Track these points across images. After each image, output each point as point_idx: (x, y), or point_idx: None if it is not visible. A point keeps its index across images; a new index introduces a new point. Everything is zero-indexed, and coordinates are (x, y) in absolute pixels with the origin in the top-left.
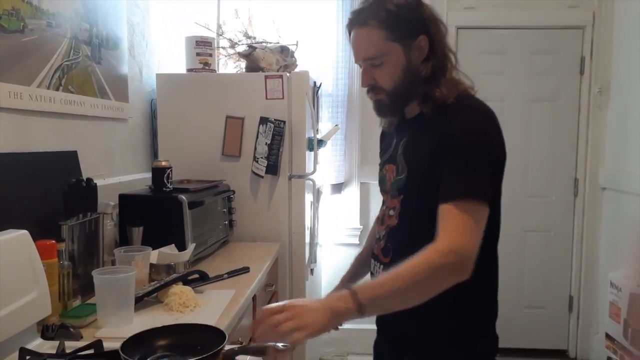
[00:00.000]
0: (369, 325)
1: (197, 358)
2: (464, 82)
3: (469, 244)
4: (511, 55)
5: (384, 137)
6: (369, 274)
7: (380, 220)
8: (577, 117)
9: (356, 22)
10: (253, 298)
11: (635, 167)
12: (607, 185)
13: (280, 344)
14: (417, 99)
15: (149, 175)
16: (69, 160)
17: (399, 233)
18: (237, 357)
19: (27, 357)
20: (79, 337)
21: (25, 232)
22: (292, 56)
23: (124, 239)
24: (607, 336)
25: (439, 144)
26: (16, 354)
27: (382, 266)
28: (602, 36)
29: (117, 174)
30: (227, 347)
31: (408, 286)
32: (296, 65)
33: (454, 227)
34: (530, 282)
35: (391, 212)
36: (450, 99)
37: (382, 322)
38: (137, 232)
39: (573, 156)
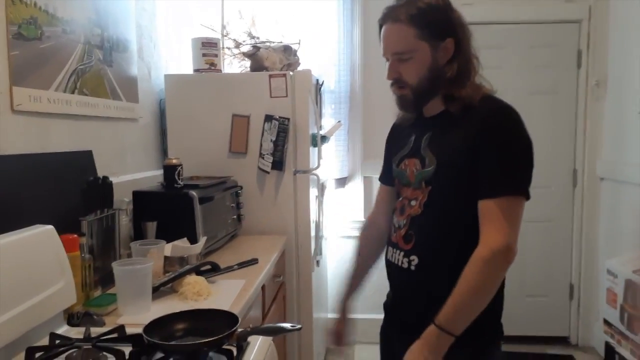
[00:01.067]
0: (375, 315)
1: (214, 338)
2: (485, 86)
3: (508, 237)
4: (510, 50)
5: (395, 132)
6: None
7: (400, 210)
8: (575, 109)
9: (389, 17)
10: (262, 288)
11: (632, 157)
12: (605, 175)
13: (289, 325)
14: (439, 97)
15: (159, 172)
16: (84, 159)
17: (423, 222)
18: (249, 338)
19: (57, 341)
20: (102, 324)
21: (51, 227)
22: (295, 55)
23: (138, 234)
24: (605, 321)
25: (478, 141)
26: (46, 339)
27: (402, 252)
28: (598, 30)
29: (129, 171)
30: (240, 329)
31: (473, 299)
32: (299, 64)
33: (495, 225)
34: (532, 271)
35: (413, 203)
36: (476, 100)
37: (389, 308)
38: (152, 227)
39: (572, 147)
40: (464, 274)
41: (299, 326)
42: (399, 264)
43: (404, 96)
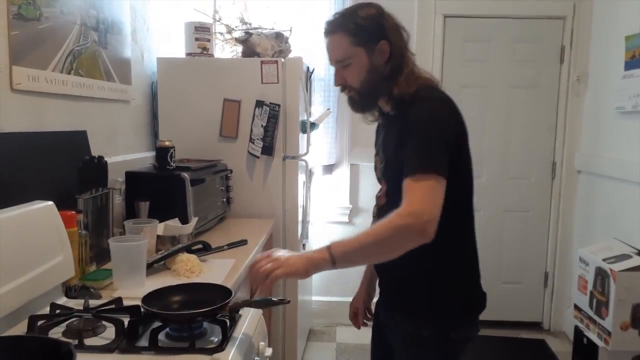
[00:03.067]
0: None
1: (208, 308)
2: (423, 76)
3: (427, 209)
4: (495, 44)
5: (378, 130)
6: None
7: (376, 200)
8: (555, 103)
9: (328, 30)
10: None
11: (608, 151)
12: (582, 168)
13: (277, 299)
14: (384, 96)
15: (150, 154)
16: (79, 139)
17: (387, 211)
18: (240, 310)
19: (58, 311)
20: (99, 297)
21: (51, 203)
22: (287, 42)
23: (130, 213)
24: (576, 307)
25: (401, 135)
26: (47, 309)
27: None
28: (581, 27)
29: (121, 152)
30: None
31: (373, 243)
32: (290, 51)
33: (414, 196)
34: (508, 259)
35: (380, 194)
36: (409, 94)
37: (380, 284)
38: (144, 207)
39: (551, 141)
40: (379, 222)
41: (287, 299)
42: None
43: (352, 98)
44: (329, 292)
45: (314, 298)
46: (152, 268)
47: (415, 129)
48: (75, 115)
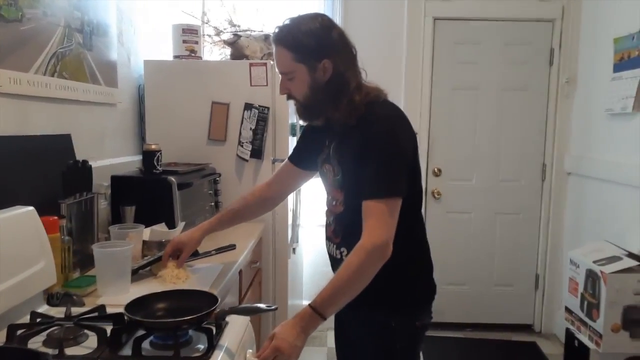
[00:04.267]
0: None
1: (193, 316)
2: (373, 90)
3: (387, 234)
4: (485, 46)
5: (311, 133)
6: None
7: (328, 208)
8: (545, 106)
9: (275, 39)
10: (239, 273)
11: (597, 153)
12: (572, 170)
13: (265, 305)
14: (328, 113)
15: (137, 158)
16: (63, 143)
17: (344, 218)
18: (227, 317)
19: (38, 320)
20: (82, 304)
21: (32, 208)
22: None
23: (116, 218)
24: (567, 309)
25: (358, 152)
26: (27, 317)
27: (335, 245)
28: (570, 29)
29: (107, 156)
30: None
31: (351, 285)
32: None
33: (375, 222)
34: (500, 262)
35: (335, 202)
36: (359, 112)
37: None
38: (130, 211)
39: (542, 143)
40: (346, 262)
41: (274, 307)
42: (334, 255)
43: (297, 108)
44: None
45: (304, 302)
46: (137, 274)
47: (377, 151)
48: (59, 119)
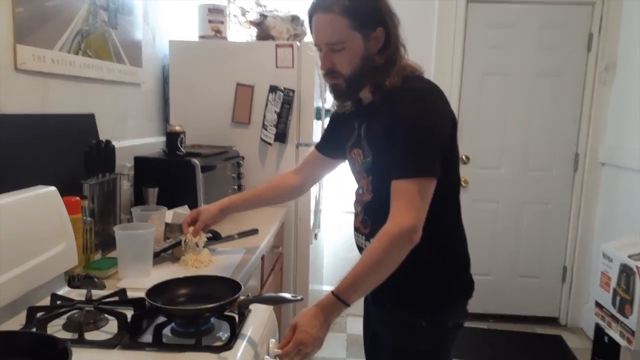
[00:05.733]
0: None
1: (216, 304)
2: (410, 65)
3: (415, 217)
4: (519, 30)
5: (338, 120)
6: None
7: (355, 197)
8: (581, 93)
9: (320, 7)
10: (261, 258)
11: (634, 143)
12: (607, 160)
13: (290, 295)
14: (370, 86)
15: (161, 139)
16: (87, 122)
17: (373, 207)
18: (251, 306)
19: (58, 302)
20: (102, 287)
21: (53, 188)
22: (302, 25)
23: (138, 199)
24: (597, 304)
25: (389, 128)
26: (48, 299)
27: (363, 236)
28: (611, 13)
29: (130, 137)
30: (243, 296)
31: (375, 271)
32: (306, 35)
33: (403, 204)
34: (526, 252)
35: (362, 190)
36: (397, 85)
37: None
38: (153, 193)
39: (575, 131)
40: (370, 247)
41: (300, 297)
42: (363, 247)
43: (337, 85)
44: None
45: (324, 288)
46: (159, 257)
47: (409, 127)
48: (82, 98)
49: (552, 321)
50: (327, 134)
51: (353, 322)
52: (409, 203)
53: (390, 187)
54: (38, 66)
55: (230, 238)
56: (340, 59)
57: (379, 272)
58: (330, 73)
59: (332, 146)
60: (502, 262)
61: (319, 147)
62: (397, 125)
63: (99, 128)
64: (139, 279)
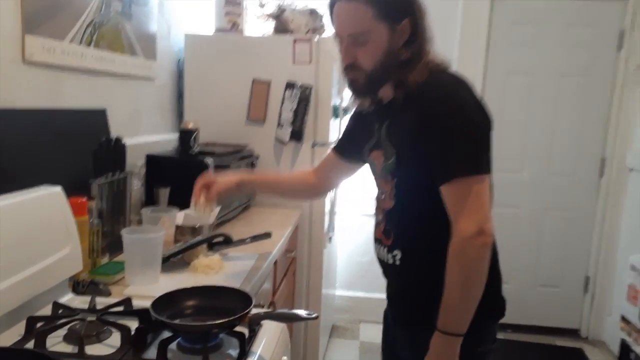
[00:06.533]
0: (381, 294)
1: (224, 320)
2: (435, 60)
3: (477, 220)
4: (545, 27)
5: (357, 120)
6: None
7: (376, 204)
8: (609, 94)
9: None
10: (274, 263)
11: None
12: (635, 166)
13: (304, 312)
14: (391, 82)
15: (175, 136)
16: (98, 118)
17: (396, 215)
18: (262, 322)
19: (60, 311)
20: (108, 294)
21: (58, 188)
22: (321, 20)
23: (150, 199)
24: (623, 319)
25: (421, 126)
26: (49, 307)
27: (385, 248)
28: None
29: (143, 133)
30: (254, 310)
31: (466, 292)
32: (324, 30)
33: (460, 210)
34: (547, 261)
35: (384, 196)
36: (422, 80)
37: (393, 294)
38: (164, 193)
39: (602, 135)
40: (446, 270)
41: (315, 314)
42: (386, 260)
43: (357, 81)
44: (354, 286)
45: (338, 293)
46: (168, 262)
47: (445, 125)
48: (94, 92)
49: (573, 333)
50: (346, 135)
51: (366, 328)
52: (466, 206)
53: (413, 195)
54: (48, 58)
55: (242, 242)
56: (363, 52)
57: (466, 290)
58: (350, 67)
59: (350, 148)
60: (522, 270)
61: (337, 149)
62: (431, 124)
63: (110, 124)
64: (146, 285)
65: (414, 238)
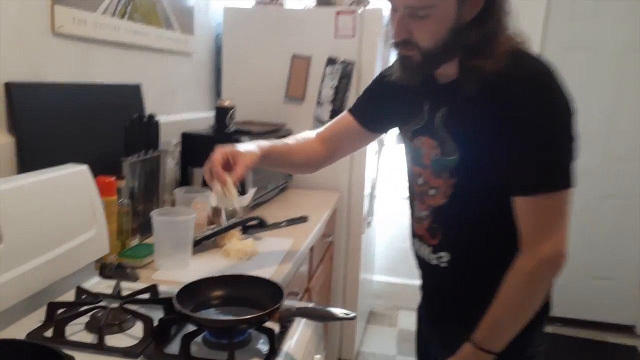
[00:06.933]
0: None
1: (253, 316)
2: (513, 37)
3: (560, 242)
4: None
5: (390, 88)
6: None
7: (419, 197)
8: None
9: None
10: (310, 249)
11: None
12: None
13: (341, 312)
14: (457, 62)
15: (212, 114)
16: (132, 94)
17: (448, 215)
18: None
19: (83, 297)
20: (135, 278)
21: (84, 167)
22: None
23: (185, 179)
24: None
25: (501, 128)
26: (73, 292)
27: (429, 248)
28: None
29: (179, 111)
30: (287, 302)
31: (519, 313)
32: (369, 2)
33: (541, 227)
34: (601, 252)
35: (433, 192)
36: (501, 66)
37: (435, 293)
38: (198, 173)
39: None
40: (506, 285)
41: (352, 314)
42: (427, 260)
43: (410, 58)
44: (394, 272)
45: (376, 278)
46: (200, 245)
47: (537, 129)
48: (127, 67)
49: (628, 330)
50: (372, 99)
51: (405, 316)
52: (548, 225)
53: (514, 204)
54: (78, 30)
55: (277, 226)
56: (421, 27)
57: (521, 313)
58: (403, 44)
59: (376, 117)
60: (574, 261)
61: (357, 114)
62: (516, 128)
63: (144, 101)
64: (176, 270)
65: (466, 242)
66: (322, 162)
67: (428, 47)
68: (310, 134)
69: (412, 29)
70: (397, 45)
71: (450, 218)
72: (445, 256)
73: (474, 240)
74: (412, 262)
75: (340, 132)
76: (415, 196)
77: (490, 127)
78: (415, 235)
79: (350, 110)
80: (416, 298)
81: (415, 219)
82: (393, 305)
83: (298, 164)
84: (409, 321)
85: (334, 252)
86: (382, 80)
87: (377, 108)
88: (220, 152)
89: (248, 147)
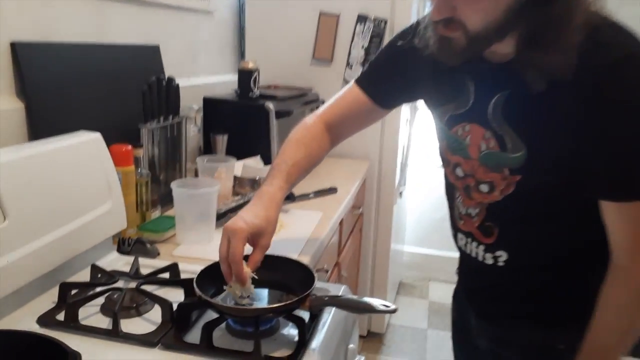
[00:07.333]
0: (453, 253)
1: (281, 304)
2: (592, 6)
3: None
4: None
5: (419, 58)
6: None
7: (464, 192)
8: None
9: None
10: (340, 222)
11: None
12: None
13: (380, 304)
14: (517, 39)
15: (235, 77)
16: (150, 55)
17: (507, 213)
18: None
19: (99, 275)
20: (155, 254)
21: (97, 135)
22: None
23: (207, 146)
24: None
25: (591, 117)
26: (88, 270)
27: (482, 246)
28: None
29: (201, 74)
30: (318, 287)
31: (629, 334)
32: None
33: None
34: None
35: (486, 188)
36: (573, 55)
37: (471, 288)
38: (222, 140)
39: None
40: (608, 302)
41: (393, 307)
42: (479, 258)
43: (453, 40)
44: (425, 243)
45: (406, 249)
46: (225, 218)
47: (628, 120)
48: (145, 26)
49: None
50: (386, 73)
51: (436, 287)
52: None
53: (603, 207)
54: None
55: (305, 197)
56: (470, 5)
57: (630, 334)
58: (445, 23)
59: (389, 92)
60: None
61: (369, 89)
62: (607, 116)
63: (164, 63)
64: (199, 245)
65: (528, 241)
66: (327, 150)
67: (476, 28)
68: (313, 125)
69: (458, 5)
70: (437, 24)
71: (508, 216)
72: (503, 255)
73: (536, 239)
74: (444, 233)
75: (347, 114)
76: (457, 190)
77: (570, 121)
78: (461, 231)
79: (362, 86)
80: (447, 269)
81: (458, 215)
82: (424, 276)
83: (308, 172)
84: (440, 293)
85: (364, 224)
86: (402, 52)
87: (394, 81)
88: (240, 239)
89: (265, 212)
